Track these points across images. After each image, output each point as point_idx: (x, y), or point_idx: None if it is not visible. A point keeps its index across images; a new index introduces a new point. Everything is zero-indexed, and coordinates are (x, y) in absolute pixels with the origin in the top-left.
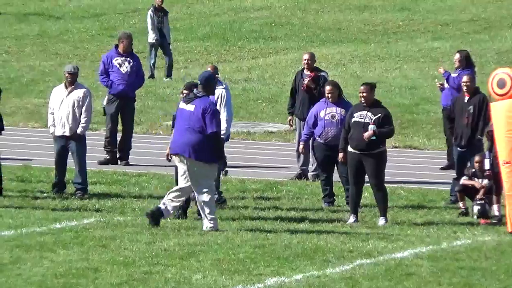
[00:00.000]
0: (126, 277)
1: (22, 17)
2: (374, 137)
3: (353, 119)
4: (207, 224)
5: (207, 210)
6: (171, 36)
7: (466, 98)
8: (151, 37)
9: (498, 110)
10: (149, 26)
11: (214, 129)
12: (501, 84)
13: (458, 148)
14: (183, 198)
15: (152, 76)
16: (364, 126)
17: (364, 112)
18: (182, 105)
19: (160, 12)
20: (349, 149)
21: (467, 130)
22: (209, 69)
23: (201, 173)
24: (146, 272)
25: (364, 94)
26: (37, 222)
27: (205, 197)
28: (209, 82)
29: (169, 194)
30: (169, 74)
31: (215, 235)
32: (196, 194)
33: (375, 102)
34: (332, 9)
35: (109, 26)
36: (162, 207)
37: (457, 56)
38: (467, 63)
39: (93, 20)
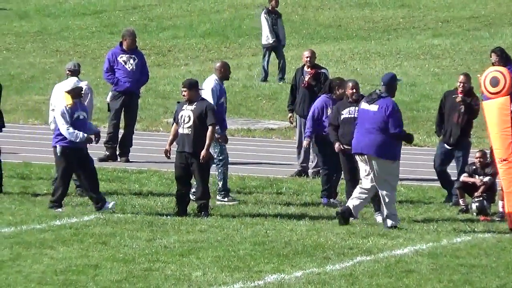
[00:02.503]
0: (126, 274)
1: (23, 14)
2: None
3: (342, 116)
4: (387, 222)
5: (386, 207)
6: (285, 39)
7: (459, 97)
8: (265, 38)
9: (491, 108)
10: (264, 28)
11: (397, 130)
12: (494, 82)
13: (445, 145)
14: (368, 198)
15: (265, 79)
16: (350, 122)
17: (352, 108)
18: (364, 105)
19: (274, 14)
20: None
21: (456, 129)
22: (218, 64)
23: (386, 171)
24: (146, 269)
25: (355, 90)
26: (37, 219)
27: (387, 193)
28: (392, 83)
29: (355, 193)
30: (282, 76)
31: (215, 232)
32: (379, 191)
33: (360, 97)
34: (332, 6)
35: (109, 23)
36: (351, 206)
37: (494, 57)
38: (506, 58)
39: (93, 17)
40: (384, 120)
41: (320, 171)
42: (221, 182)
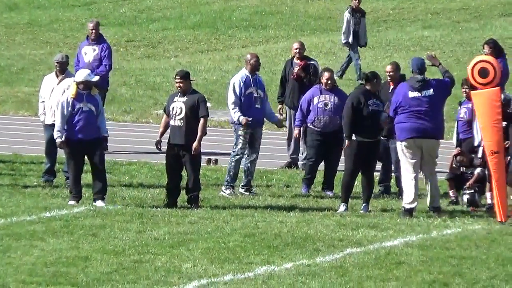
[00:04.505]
0: (116, 265)
1: (12, 5)
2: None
3: (371, 108)
4: (434, 202)
5: (434, 189)
6: (367, 38)
7: (391, 87)
8: (343, 37)
9: (481, 99)
10: (343, 27)
11: (451, 83)
12: (484, 73)
13: (381, 137)
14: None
15: (359, 77)
16: (378, 114)
17: (375, 100)
18: (414, 93)
19: (358, 13)
20: (356, 138)
21: (390, 120)
22: (247, 56)
23: (435, 152)
24: (136, 261)
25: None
26: (27, 211)
27: (435, 175)
28: (424, 66)
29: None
30: (361, 76)
31: (205, 223)
32: (431, 175)
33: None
34: None
35: (99, 14)
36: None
37: (487, 48)
38: (499, 50)
39: (83, 8)
40: (441, 101)
41: (306, 160)
42: (227, 173)
